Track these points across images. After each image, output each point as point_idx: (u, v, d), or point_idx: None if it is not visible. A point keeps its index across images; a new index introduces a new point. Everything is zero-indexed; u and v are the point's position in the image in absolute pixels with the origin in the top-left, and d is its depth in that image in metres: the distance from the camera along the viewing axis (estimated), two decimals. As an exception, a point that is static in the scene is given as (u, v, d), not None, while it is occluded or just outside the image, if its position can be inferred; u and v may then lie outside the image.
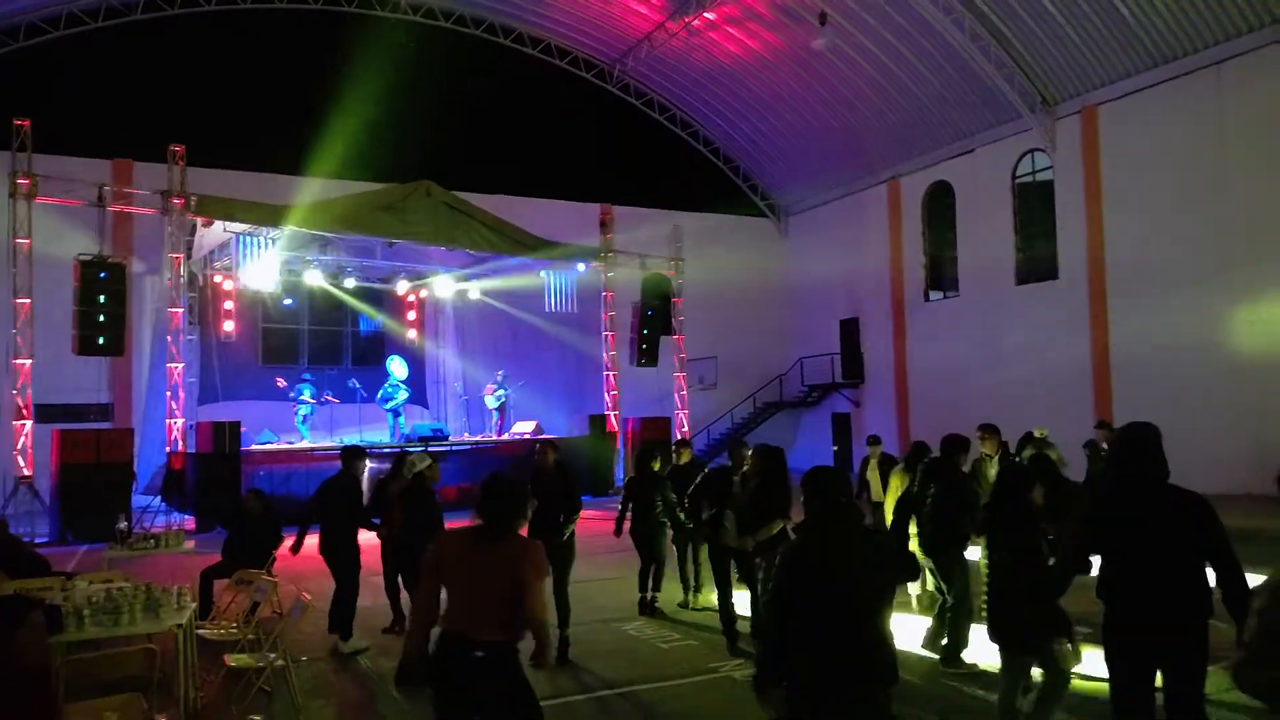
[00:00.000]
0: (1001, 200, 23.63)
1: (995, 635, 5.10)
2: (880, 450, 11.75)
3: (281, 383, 19.96)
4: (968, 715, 6.08)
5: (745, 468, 7.67)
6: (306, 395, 19.90)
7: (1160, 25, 18.99)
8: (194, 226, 17.80)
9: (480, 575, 3.88)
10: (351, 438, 19.77)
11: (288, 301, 21.43)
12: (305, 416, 19.91)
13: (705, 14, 23.63)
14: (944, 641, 7.10)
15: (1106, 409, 19.84)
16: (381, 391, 21.00)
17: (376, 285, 22.81)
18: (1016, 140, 23.05)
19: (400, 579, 8.36)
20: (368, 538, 8.25)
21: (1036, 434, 12.91)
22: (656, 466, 9.02)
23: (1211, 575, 3.96)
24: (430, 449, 18.75)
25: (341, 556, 7.99)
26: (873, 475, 11.45)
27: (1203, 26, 18.54)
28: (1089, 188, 21.23)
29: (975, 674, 6.77)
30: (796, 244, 30.99)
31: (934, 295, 26.23)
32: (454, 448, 20.30)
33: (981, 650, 6.65)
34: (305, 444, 19.06)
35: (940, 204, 25.86)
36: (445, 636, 3.88)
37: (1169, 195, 19.53)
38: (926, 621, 7.57)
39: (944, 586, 7.04)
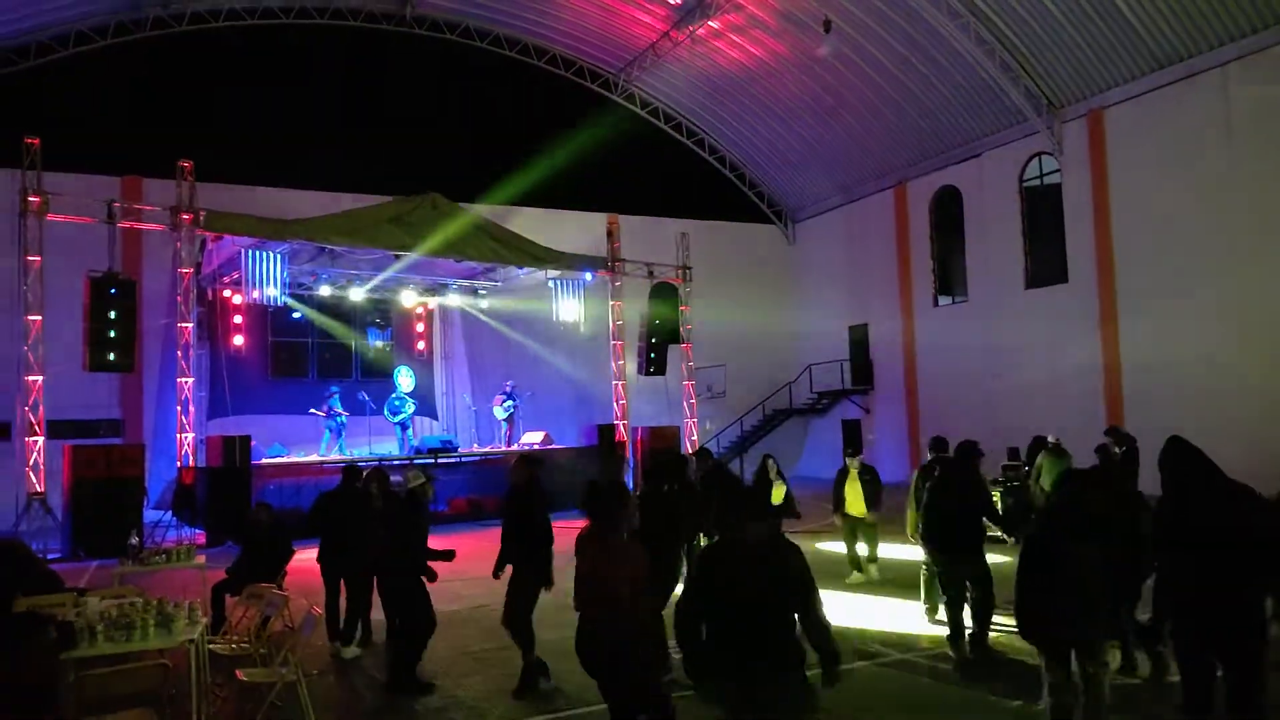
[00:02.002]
0: (1009, 204, 23.57)
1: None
2: (860, 461, 11.42)
3: (319, 412, 20.05)
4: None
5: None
6: (338, 406, 20.03)
7: (1165, 27, 18.94)
8: (203, 241, 17.89)
9: (602, 569, 4.59)
10: (361, 450, 19.81)
11: (296, 315, 21.48)
12: (336, 430, 20.02)
13: (710, 22, 23.67)
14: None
15: (1118, 413, 19.74)
16: (389, 404, 21.03)
17: (384, 298, 22.87)
18: (1023, 144, 23.00)
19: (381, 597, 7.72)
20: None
21: (1050, 440, 12.89)
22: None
23: None
24: (438, 460, 18.82)
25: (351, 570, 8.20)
26: (851, 488, 11.09)
27: (1207, 28, 18.48)
28: (1097, 191, 21.17)
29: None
30: (804, 250, 30.96)
31: (943, 300, 26.17)
32: (463, 459, 20.31)
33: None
34: (315, 457, 19.10)
35: (948, 209, 25.81)
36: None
37: (1178, 197, 19.44)
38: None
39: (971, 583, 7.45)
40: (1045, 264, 22.90)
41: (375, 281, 21.36)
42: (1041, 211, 23.06)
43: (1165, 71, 19.54)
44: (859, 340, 28.49)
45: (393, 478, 9.87)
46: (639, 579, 4.56)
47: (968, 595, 7.46)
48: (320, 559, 8.44)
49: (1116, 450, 13.38)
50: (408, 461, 18.93)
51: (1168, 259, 19.57)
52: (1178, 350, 19.16)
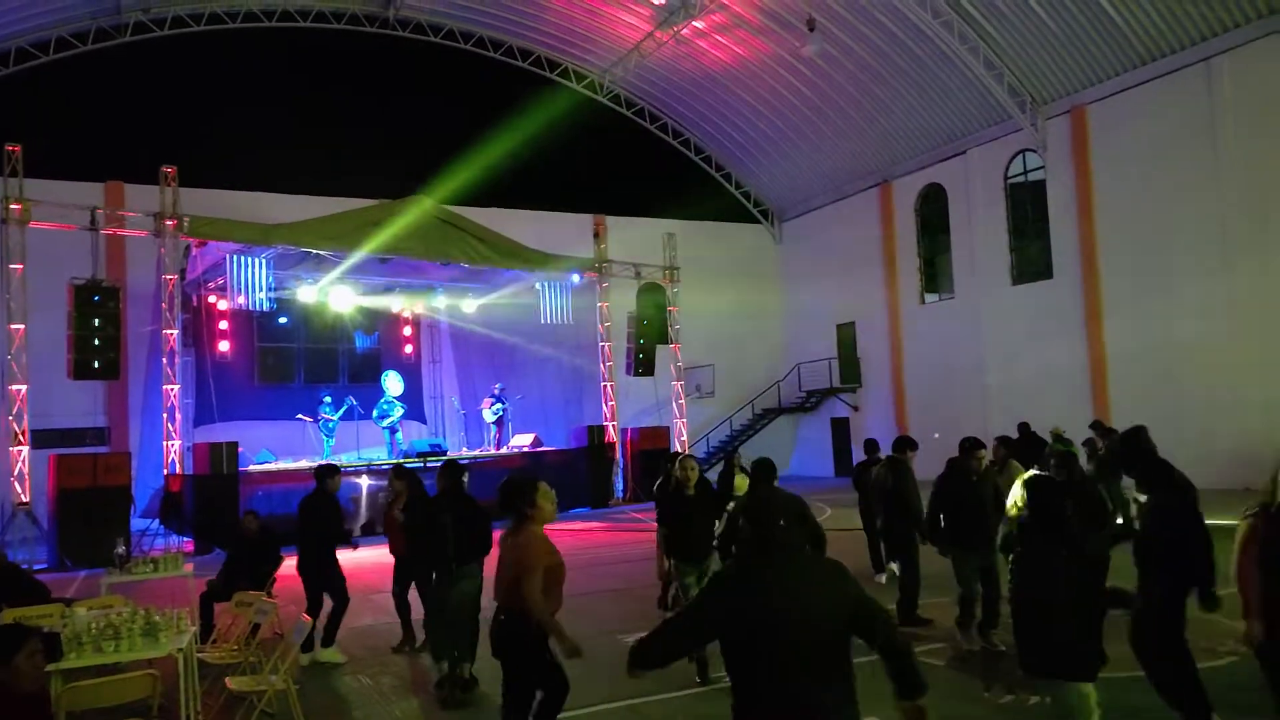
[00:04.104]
0: (994, 201, 23.68)
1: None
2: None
3: (306, 418, 19.99)
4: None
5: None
6: (328, 414, 19.97)
7: (1147, 22, 19.06)
8: (187, 247, 17.79)
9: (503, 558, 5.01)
10: (349, 455, 19.72)
11: (283, 320, 21.37)
12: (329, 431, 20.02)
13: (694, 22, 23.69)
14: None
15: (1104, 407, 19.84)
16: (377, 409, 20.96)
17: (371, 302, 22.78)
18: (1007, 141, 23.12)
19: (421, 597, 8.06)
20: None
21: (1053, 432, 13.09)
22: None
23: None
24: (427, 464, 18.75)
25: (320, 574, 8.12)
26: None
27: (1188, 23, 18.61)
28: (1080, 187, 21.29)
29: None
30: (790, 249, 31.02)
31: (929, 297, 26.26)
32: (452, 462, 20.24)
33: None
34: (304, 463, 19.01)
35: (933, 206, 25.91)
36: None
37: (1161, 192, 19.57)
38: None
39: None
40: (1030, 260, 23.03)
41: (361, 285, 21.29)
42: (1026, 208, 23.19)
43: (1148, 67, 19.67)
44: (847, 338, 28.56)
45: (372, 483, 9.83)
46: (527, 566, 4.76)
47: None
48: (300, 569, 8.30)
49: (1101, 444, 13.53)
50: (396, 466, 18.88)
51: (1152, 254, 19.69)
52: (1163, 345, 19.29)
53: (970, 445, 7.79)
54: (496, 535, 6.16)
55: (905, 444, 9.15)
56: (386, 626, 8.55)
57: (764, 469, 7.11)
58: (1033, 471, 6.32)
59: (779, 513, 3.18)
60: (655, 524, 7.80)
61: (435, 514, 7.31)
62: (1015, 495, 7.06)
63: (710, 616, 3.15)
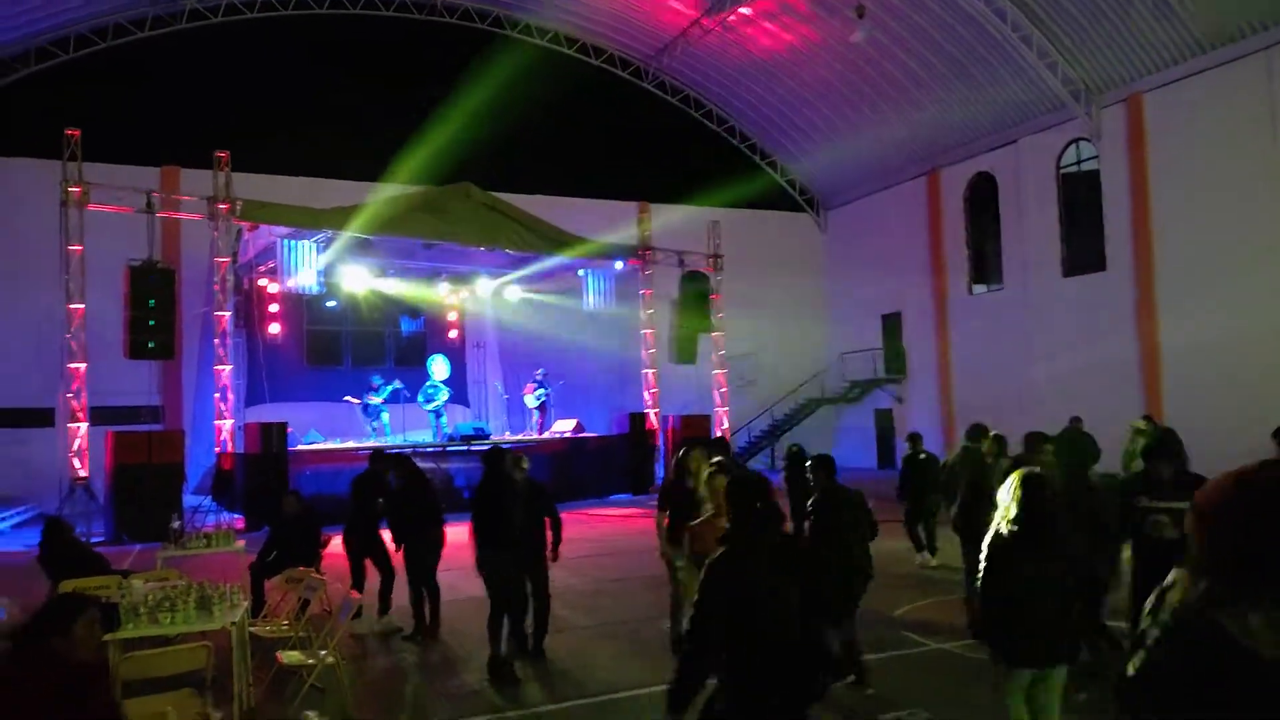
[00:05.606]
0: (1046, 191, 23.24)
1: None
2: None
3: (355, 400, 20.31)
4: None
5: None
6: (376, 398, 20.26)
7: (1207, 9, 18.53)
8: (239, 231, 18.12)
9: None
10: (395, 438, 20.00)
11: (331, 303, 21.69)
12: (375, 414, 20.41)
13: (741, 9, 23.52)
14: None
15: (1156, 403, 19.45)
16: (423, 392, 21.20)
17: (417, 286, 22.99)
18: (1061, 130, 22.66)
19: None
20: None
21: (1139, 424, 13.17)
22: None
23: None
24: (471, 448, 18.96)
25: (365, 549, 8.98)
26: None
27: (1249, 10, 18.06)
28: (1135, 177, 20.82)
29: None
30: (836, 238, 30.76)
31: (978, 288, 25.88)
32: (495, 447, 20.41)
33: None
34: (351, 444, 19.31)
35: (983, 195, 25.50)
36: None
37: (1218, 184, 19.07)
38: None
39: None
40: (1083, 251, 22.58)
41: (408, 270, 21.52)
42: (1079, 198, 22.72)
43: (1206, 56, 19.14)
44: (892, 329, 28.28)
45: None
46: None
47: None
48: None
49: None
50: (440, 449, 19.13)
51: (1209, 246, 19.21)
52: (1218, 339, 18.82)
53: (1031, 442, 7.70)
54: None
55: (979, 432, 9.22)
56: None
57: (823, 463, 7.18)
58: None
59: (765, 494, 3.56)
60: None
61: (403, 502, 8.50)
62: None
63: (712, 608, 3.39)
